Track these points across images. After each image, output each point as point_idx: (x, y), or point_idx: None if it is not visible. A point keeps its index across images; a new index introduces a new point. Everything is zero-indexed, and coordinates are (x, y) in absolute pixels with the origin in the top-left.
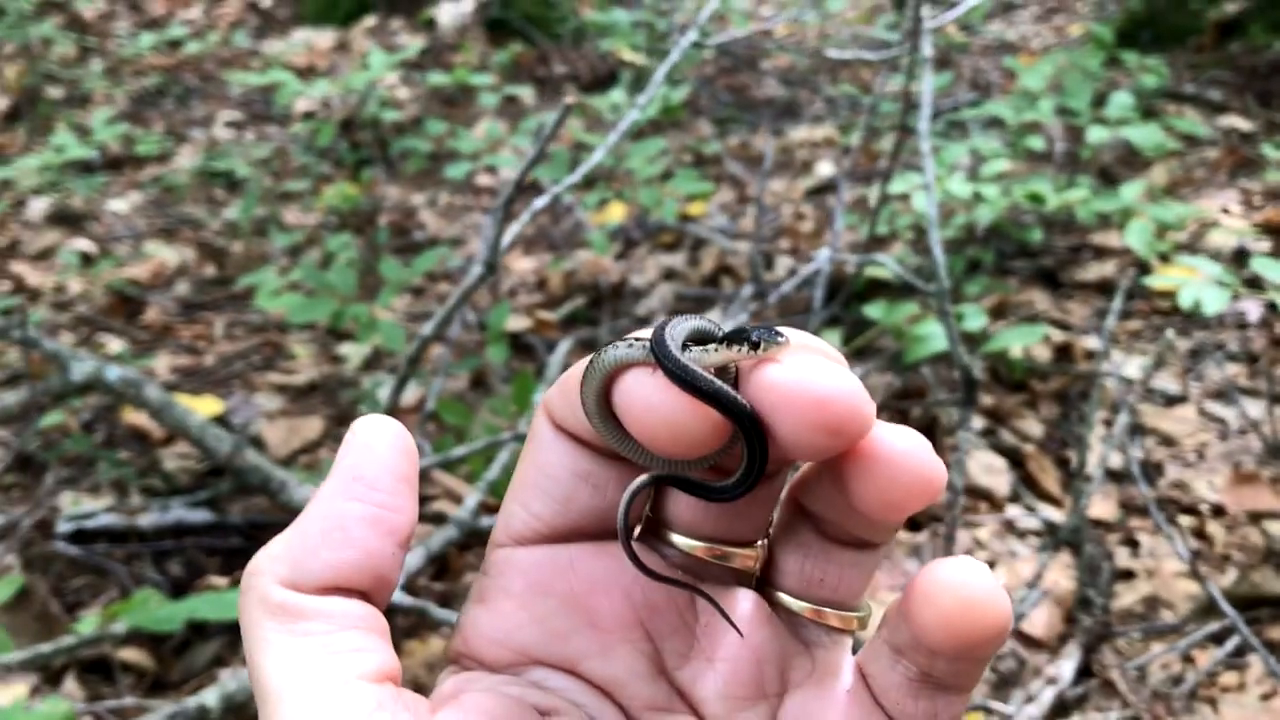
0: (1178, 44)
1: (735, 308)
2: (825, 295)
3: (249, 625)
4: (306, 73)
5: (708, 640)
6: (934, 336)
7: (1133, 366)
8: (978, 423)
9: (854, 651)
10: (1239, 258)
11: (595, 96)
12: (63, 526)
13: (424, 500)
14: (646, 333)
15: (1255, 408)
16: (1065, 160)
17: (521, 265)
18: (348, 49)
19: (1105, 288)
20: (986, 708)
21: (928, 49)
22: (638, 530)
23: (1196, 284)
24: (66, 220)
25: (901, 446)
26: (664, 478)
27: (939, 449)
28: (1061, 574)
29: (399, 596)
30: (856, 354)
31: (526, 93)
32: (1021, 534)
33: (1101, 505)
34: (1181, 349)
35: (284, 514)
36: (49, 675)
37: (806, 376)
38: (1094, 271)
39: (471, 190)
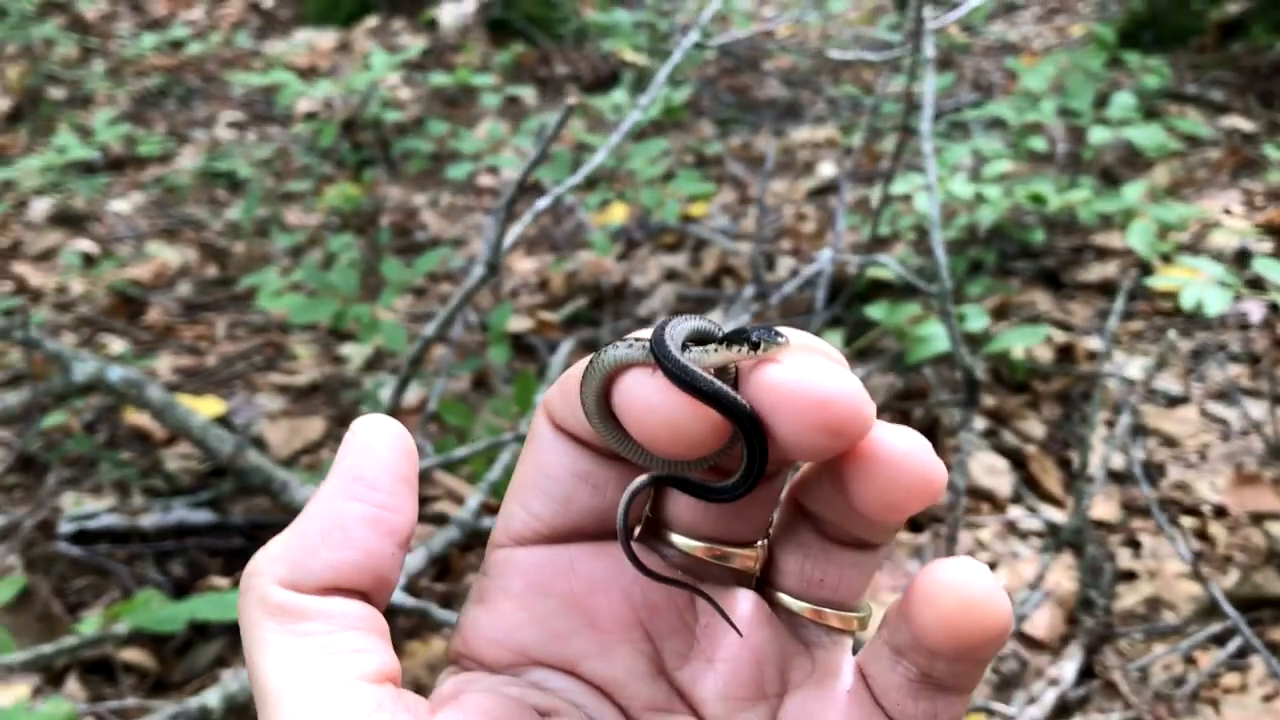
0: (1180, 44)
1: (737, 308)
2: (827, 296)
3: (248, 625)
4: (308, 73)
5: (708, 641)
6: (936, 337)
7: (1135, 367)
8: (980, 423)
9: (854, 652)
10: (1241, 258)
11: (597, 97)
12: (65, 527)
13: (426, 501)
14: (646, 333)
15: (1257, 408)
16: (1067, 161)
17: (523, 266)
18: (349, 49)
19: (1107, 288)
20: (988, 709)
21: (930, 50)
22: (637, 530)
23: (1198, 285)
24: (68, 221)
25: (902, 447)
26: (663, 478)
27: (941, 450)
28: (1063, 575)
29: (400, 597)
30: (858, 355)
31: (528, 93)
32: (1023, 535)
33: (1103, 506)
34: (1183, 350)
35: (286, 514)
36: (51, 676)
37: (807, 377)
38: (1096, 272)
39: (473, 191)
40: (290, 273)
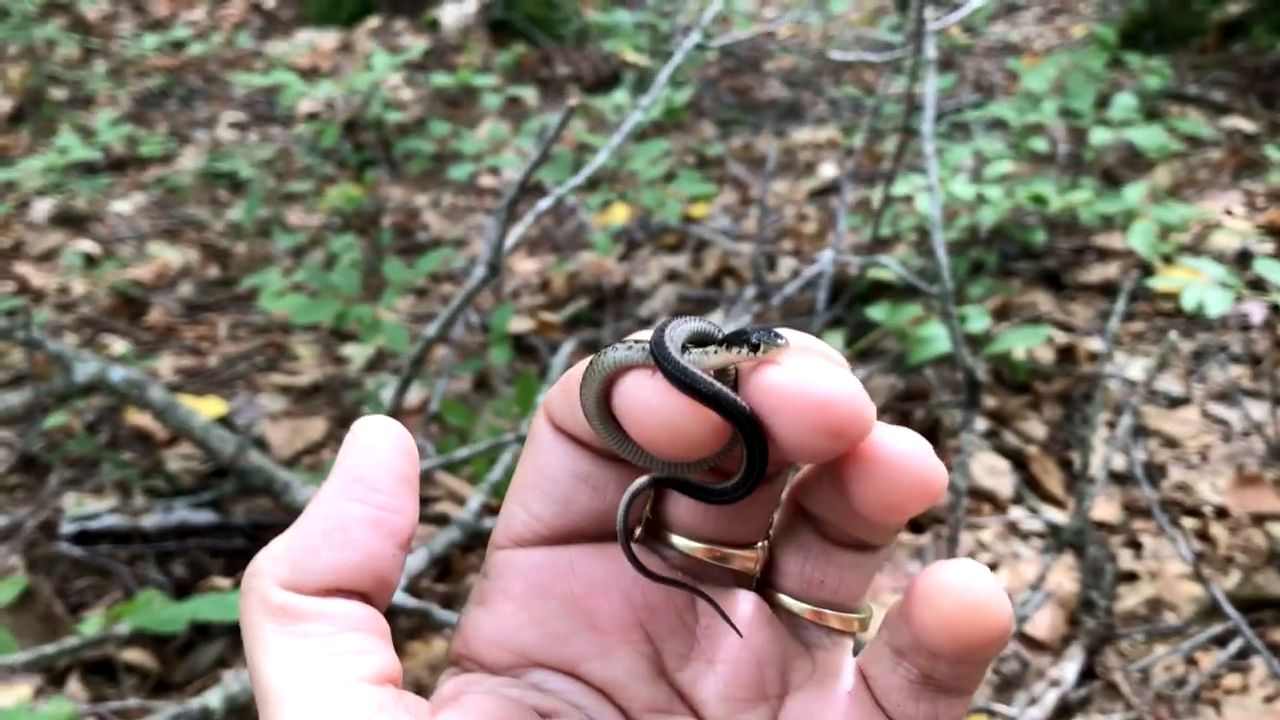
0: (1181, 45)
1: (738, 309)
2: (828, 297)
3: (249, 626)
4: (310, 74)
5: (708, 642)
6: (937, 338)
7: (1136, 368)
8: (981, 424)
9: (855, 653)
10: (1242, 259)
11: (598, 98)
12: (66, 527)
13: (427, 502)
14: (646, 335)
15: (1258, 409)
16: (1068, 162)
17: (525, 267)
18: (351, 50)
19: (1108, 289)
20: (989, 710)
21: (931, 51)
22: (638, 532)
23: (1200, 286)
24: (70, 221)
25: (902, 449)
26: (663, 480)
27: (942, 451)
28: (1064, 576)
29: (402, 598)
30: (860, 356)
31: (529, 94)
32: (1024, 536)
33: (1104, 507)
34: (1184, 351)
35: (287, 515)
36: (53, 676)
37: (806, 379)
38: (1097, 273)
39: (475, 191)
40: (292, 273)
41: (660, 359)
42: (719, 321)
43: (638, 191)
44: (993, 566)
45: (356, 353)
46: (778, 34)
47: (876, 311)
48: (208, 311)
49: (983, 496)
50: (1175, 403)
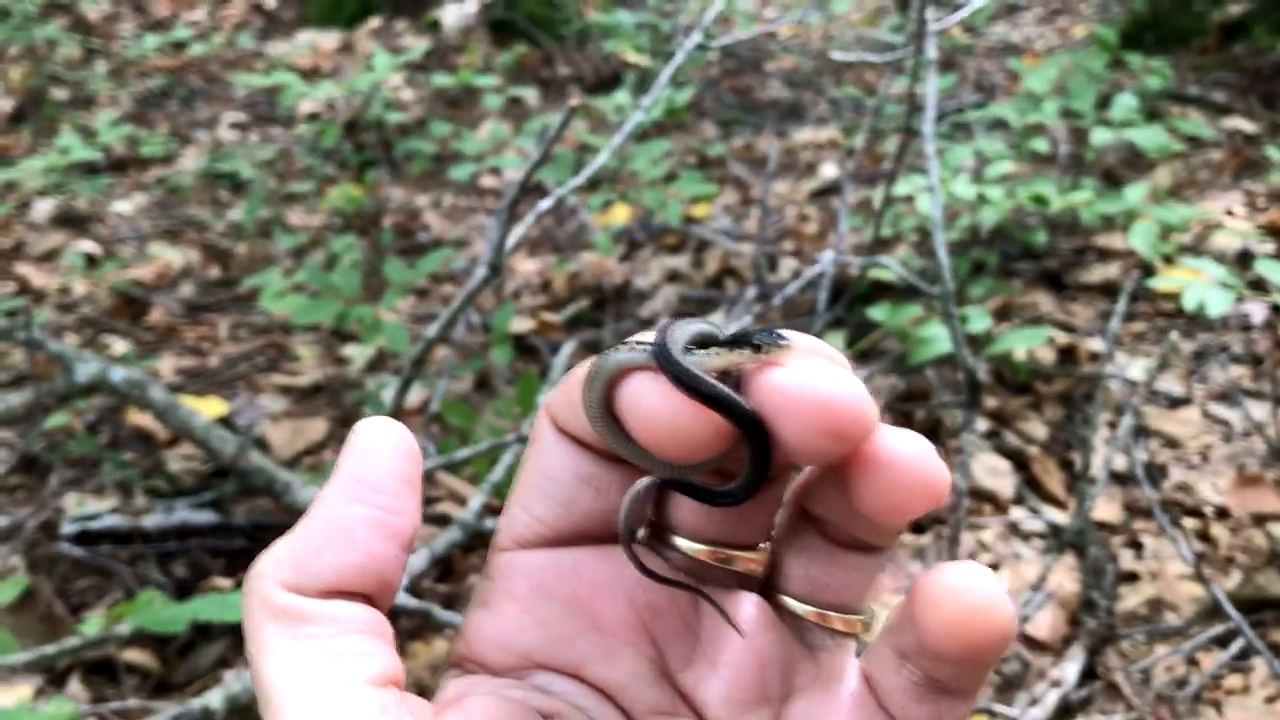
0: (1182, 46)
1: (739, 310)
2: (829, 297)
3: (251, 629)
4: (311, 74)
5: (711, 644)
6: (938, 339)
7: (1137, 369)
8: (982, 425)
9: (857, 655)
10: (1243, 260)
11: (599, 98)
12: (67, 528)
13: (428, 502)
14: (649, 336)
15: (1259, 410)
16: (1069, 162)
17: (526, 267)
18: (352, 51)
19: (1109, 290)
20: (990, 711)
21: (932, 51)
22: (641, 533)
23: (1201, 286)
24: (71, 222)
25: (905, 450)
26: (667, 481)
27: (943, 451)
28: (1065, 576)
29: (403, 598)
30: (860, 356)
31: (531, 94)
32: (1025, 536)
33: (1105, 507)
34: (1185, 351)
35: (288, 516)
36: (53, 677)
37: (810, 380)
38: (1098, 273)
39: (476, 192)
40: (293, 274)
41: (663, 360)
42: (720, 322)
43: (639, 192)
44: (994, 567)
45: (357, 353)
46: (779, 34)
47: (877, 312)
48: (209, 312)
49: (984, 497)
50: (1176, 403)
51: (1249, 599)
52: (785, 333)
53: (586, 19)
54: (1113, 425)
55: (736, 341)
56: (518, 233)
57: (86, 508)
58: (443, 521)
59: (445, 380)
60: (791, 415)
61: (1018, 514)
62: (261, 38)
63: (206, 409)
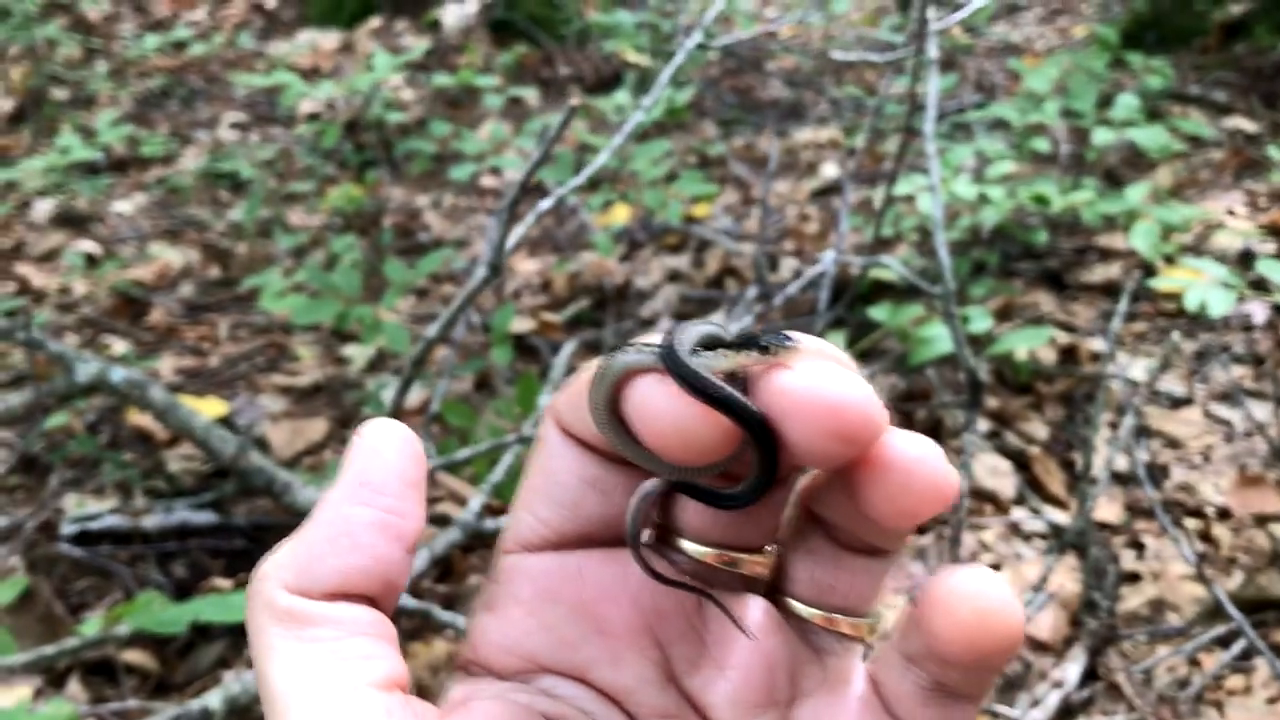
0: (1183, 45)
1: (740, 309)
2: (830, 297)
3: (255, 631)
4: (311, 74)
5: (718, 648)
6: (939, 338)
7: (1138, 369)
8: (983, 425)
9: (864, 659)
10: (1244, 260)
11: (600, 98)
12: (67, 528)
13: (429, 502)
14: (656, 338)
15: (1261, 410)
16: (1070, 162)
17: (526, 267)
18: (352, 50)
19: (1111, 290)
20: (992, 712)
21: (933, 50)
22: (646, 535)
23: (1202, 286)
24: (71, 222)
25: (914, 453)
26: (674, 484)
27: (944, 452)
28: (1067, 577)
29: (403, 599)
30: (861, 356)
31: (531, 94)
32: (1027, 537)
33: (1107, 508)
34: (1187, 351)
35: (288, 516)
36: (52, 677)
37: (818, 382)
38: (1099, 273)
39: (476, 192)
40: (293, 274)
41: (670, 362)
42: (720, 321)
43: (639, 192)
44: (995, 567)
45: (357, 353)
46: (779, 34)
47: (878, 312)
48: (209, 312)
49: (985, 497)
50: (1177, 403)
51: (1251, 599)
52: (793, 334)
53: (587, 19)
54: (1114, 425)
55: (744, 343)
56: (518, 232)
57: (86, 508)
58: (443, 522)
59: (445, 380)
60: (799, 418)
61: (1019, 514)
62: (262, 38)
63: (206, 409)
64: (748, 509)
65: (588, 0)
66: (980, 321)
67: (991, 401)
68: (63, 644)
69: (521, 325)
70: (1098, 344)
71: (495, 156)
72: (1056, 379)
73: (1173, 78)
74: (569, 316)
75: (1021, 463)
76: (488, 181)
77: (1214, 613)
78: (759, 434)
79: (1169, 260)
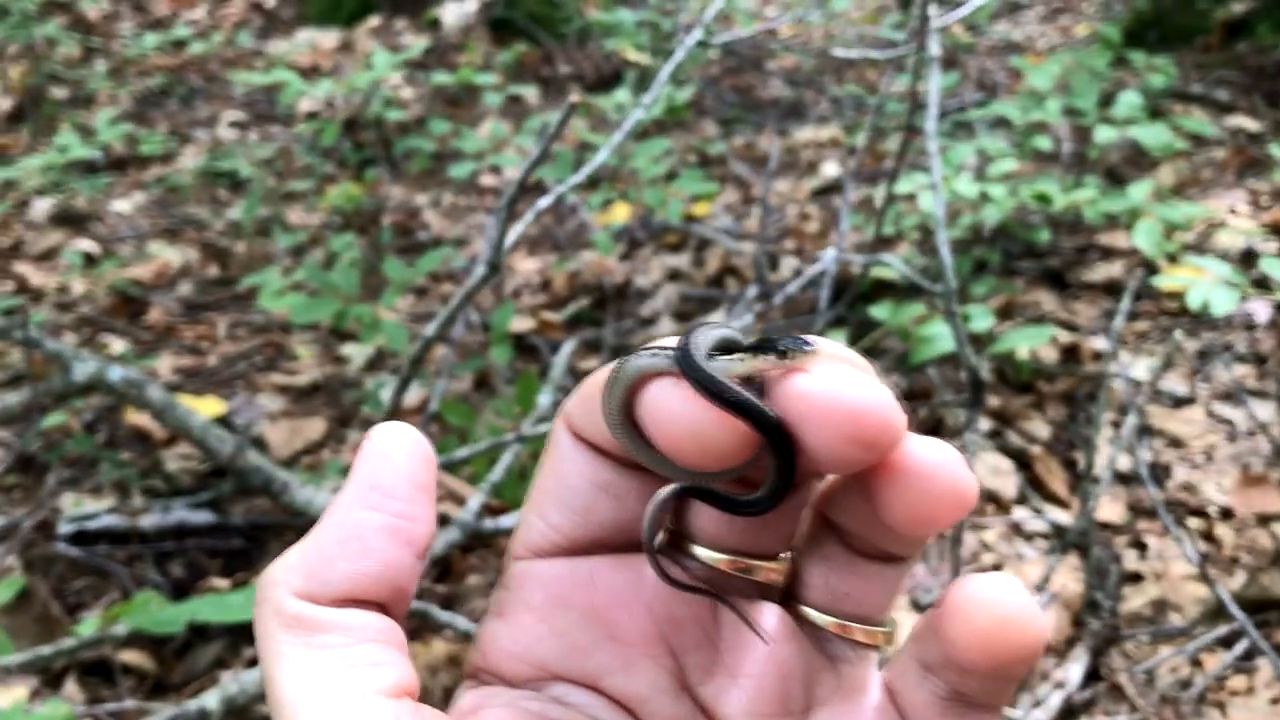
0: (1185, 44)
1: (740, 308)
2: (831, 296)
3: (264, 637)
4: (310, 73)
5: (731, 656)
6: (940, 337)
7: (1140, 368)
8: (984, 424)
9: (880, 667)
10: (1247, 258)
11: (600, 97)
12: (64, 528)
13: None
14: (670, 342)
15: (1264, 409)
16: (1072, 160)
17: (526, 266)
18: (352, 49)
19: (1113, 288)
20: None
21: (935, 48)
22: (660, 539)
23: (1205, 284)
24: (70, 221)
25: (933, 459)
26: (691, 489)
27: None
28: (1069, 577)
29: None
30: (862, 355)
31: (531, 93)
32: (1029, 536)
33: (1109, 507)
34: (1189, 350)
35: (286, 515)
36: (49, 678)
37: (837, 387)
38: (1101, 272)
39: (476, 190)
40: (292, 272)
41: (686, 366)
42: (720, 319)
43: (639, 190)
44: (996, 567)
45: (356, 352)
46: (780, 32)
47: (879, 310)
48: (207, 311)
49: (986, 497)
50: (1180, 402)
51: (1253, 599)
52: (810, 338)
53: (587, 17)
54: (1116, 425)
55: (761, 347)
56: (517, 230)
57: (83, 507)
58: (442, 521)
59: (444, 379)
60: (818, 422)
61: (1021, 514)
62: (261, 36)
63: (204, 408)
64: (765, 515)
65: None
66: (982, 320)
67: (993, 401)
68: (59, 644)
69: (521, 324)
70: (1100, 343)
71: (495, 155)
72: (1058, 378)
73: (1175, 76)
74: (569, 315)
75: (1023, 462)
76: (487, 180)
77: (1217, 613)
78: (776, 439)
79: (1171, 259)
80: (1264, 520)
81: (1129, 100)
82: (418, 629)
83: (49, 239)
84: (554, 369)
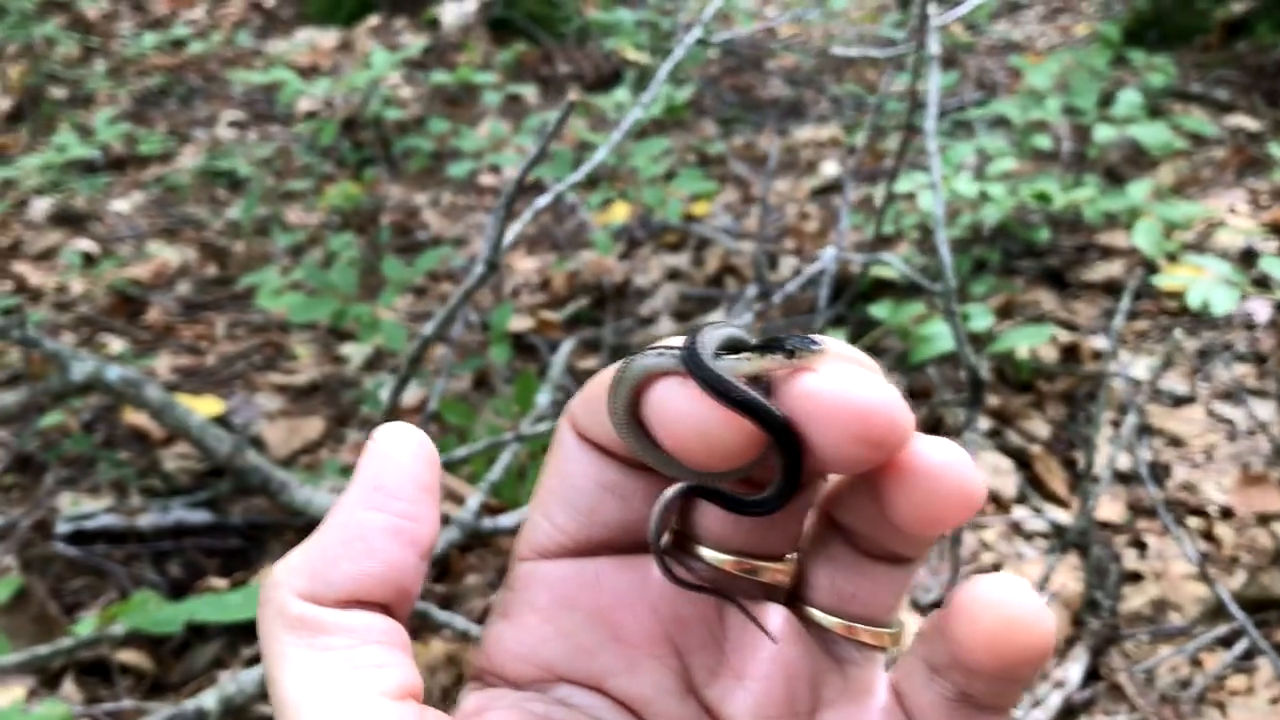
0: (1184, 43)
1: (739, 308)
2: (830, 295)
3: (267, 639)
4: (309, 72)
5: (737, 657)
6: (940, 336)
7: (1140, 367)
8: (984, 424)
9: (887, 668)
10: (1247, 258)
11: (599, 96)
12: (62, 527)
13: None
14: (677, 341)
15: (1263, 409)
16: (1072, 159)
17: (525, 265)
18: (351, 48)
19: (1112, 287)
20: None
21: (934, 46)
22: (666, 537)
23: (1205, 283)
24: (69, 220)
25: (941, 459)
26: (697, 489)
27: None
28: (1069, 576)
29: None
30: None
31: (530, 92)
32: (1028, 536)
33: (1109, 507)
34: (1189, 349)
35: (284, 515)
36: (47, 677)
37: (845, 386)
38: (1101, 271)
39: (475, 190)
40: (290, 272)
41: (693, 365)
42: (720, 318)
43: (638, 189)
44: (996, 567)
45: (355, 352)
46: (779, 31)
47: (879, 310)
48: (206, 310)
49: (986, 496)
50: (1180, 401)
51: (1253, 599)
52: (818, 338)
53: (586, 17)
54: (1116, 424)
55: (768, 346)
56: (515, 229)
57: (81, 507)
58: (440, 521)
59: (443, 379)
60: (825, 422)
61: (1020, 513)
62: (260, 36)
63: (202, 408)
64: (771, 516)
65: None
66: (981, 319)
67: (993, 400)
68: (57, 644)
69: (520, 324)
70: (1100, 342)
71: (494, 154)
72: (1058, 377)
73: (1174, 75)
74: (568, 315)
75: (1023, 461)
76: (486, 179)
77: (1216, 612)
78: (783, 438)
79: (1171, 258)
80: (1264, 519)
81: (1129, 99)
82: (416, 629)
83: (48, 238)
84: (553, 368)
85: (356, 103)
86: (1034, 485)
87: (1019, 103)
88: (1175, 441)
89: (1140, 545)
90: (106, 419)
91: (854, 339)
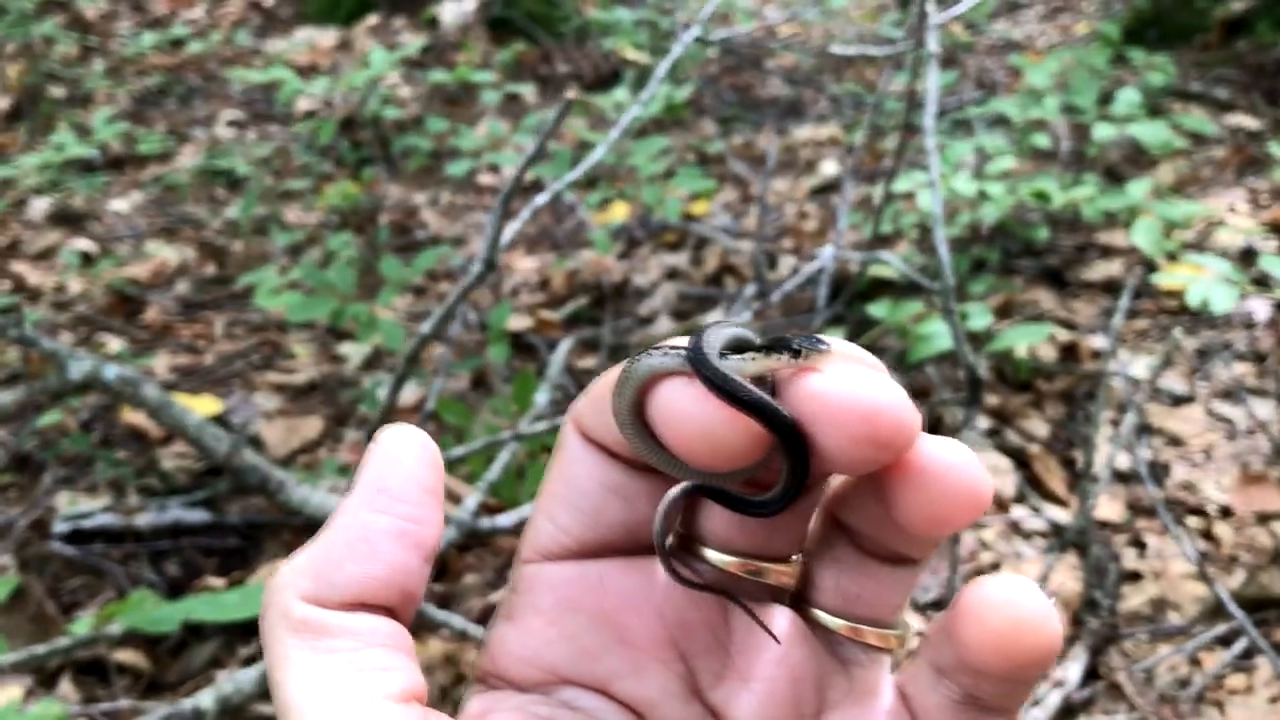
0: (1184, 42)
1: (738, 307)
2: (829, 294)
3: (270, 642)
4: (308, 71)
5: (742, 659)
6: (939, 336)
7: (1140, 366)
8: (983, 423)
9: (893, 670)
10: (1246, 257)
11: (598, 95)
12: (59, 526)
13: None
14: (682, 341)
15: (1263, 408)
16: (1071, 158)
17: (524, 264)
18: (350, 48)
19: (1112, 287)
20: None
21: (933, 45)
22: (670, 539)
23: (1204, 282)
24: (67, 220)
25: (948, 459)
26: (702, 489)
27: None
28: (1068, 576)
29: None
30: None
31: (529, 91)
32: (1027, 535)
33: (1108, 506)
34: (1189, 348)
35: (282, 514)
36: (44, 677)
37: (852, 386)
38: (1100, 270)
39: (473, 189)
40: (289, 271)
41: (699, 365)
42: (722, 318)
43: (637, 189)
44: (995, 566)
45: (353, 351)
46: (778, 30)
47: (877, 309)
48: (204, 309)
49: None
50: (1179, 401)
51: (1252, 598)
52: (824, 337)
53: (585, 16)
54: (1115, 423)
55: (774, 346)
56: (513, 228)
57: (79, 506)
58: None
59: (442, 378)
60: (832, 422)
61: (1019, 513)
62: (259, 35)
63: (200, 407)
64: (776, 517)
65: None
66: (980, 318)
67: (991, 399)
68: (54, 643)
69: (519, 323)
70: (1099, 341)
71: (492, 153)
72: (1057, 376)
73: (1174, 74)
74: (567, 314)
75: (1022, 461)
76: (485, 179)
77: (1215, 611)
78: (789, 439)
79: (1171, 257)
80: (1263, 519)
81: (1128, 98)
82: (414, 628)
83: (46, 238)
84: (551, 368)
85: (355, 102)
86: (1033, 484)
87: (1018, 102)
88: (1174, 441)
89: (1139, 544)
90: (104, 418)
91: (852, 338)
